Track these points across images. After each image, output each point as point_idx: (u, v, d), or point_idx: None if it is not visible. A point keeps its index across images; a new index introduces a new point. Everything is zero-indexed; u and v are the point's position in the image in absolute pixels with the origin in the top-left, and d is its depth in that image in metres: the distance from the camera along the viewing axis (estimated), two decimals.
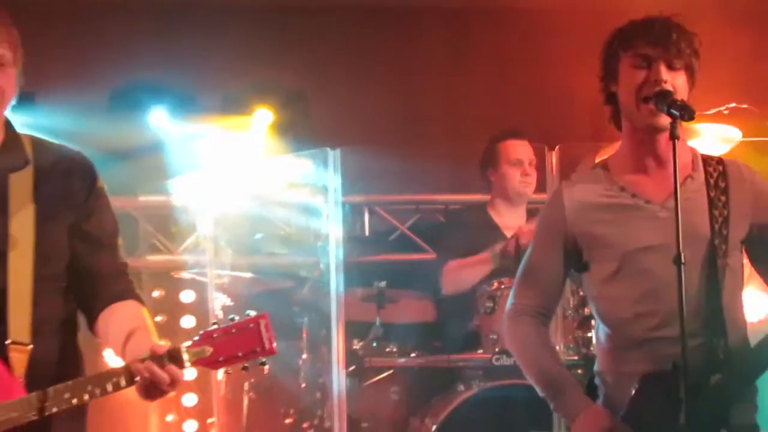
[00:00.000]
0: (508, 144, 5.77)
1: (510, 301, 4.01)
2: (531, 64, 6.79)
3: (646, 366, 3.56)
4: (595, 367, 3.85)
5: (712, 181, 3.59)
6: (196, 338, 3.25)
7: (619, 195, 3.61)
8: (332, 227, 5.23)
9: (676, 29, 3.48)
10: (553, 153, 5.48)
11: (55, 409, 3.20)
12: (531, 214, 5.80)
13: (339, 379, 5.26)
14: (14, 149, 3.42)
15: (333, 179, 5.29)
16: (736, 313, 3.60)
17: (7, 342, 3.30)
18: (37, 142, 3.50)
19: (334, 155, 5.44)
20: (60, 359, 3.53)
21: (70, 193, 3.44)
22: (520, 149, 5.77)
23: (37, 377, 3.26)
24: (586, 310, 4.81)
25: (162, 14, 6.82)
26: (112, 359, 3.77)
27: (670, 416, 3.61)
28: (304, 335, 5.97)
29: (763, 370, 3.55)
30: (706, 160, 3.64)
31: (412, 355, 5.74)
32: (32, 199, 3.42)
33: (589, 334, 5.01)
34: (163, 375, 3.05)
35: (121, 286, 3.51)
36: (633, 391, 3.54)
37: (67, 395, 3.25)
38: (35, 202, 3.43)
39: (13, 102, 3.31)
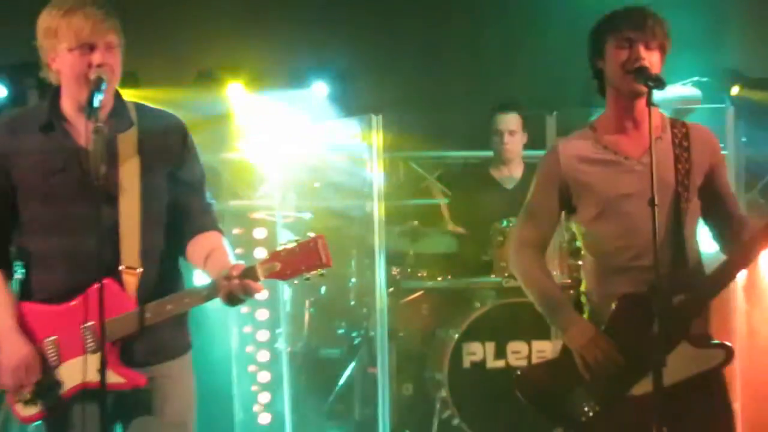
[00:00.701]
0: (496, 117, 5.97)
1: (515, 235, 4.22)
2: (534, 44, 6.75)
3: (624, 288, 3.81)
4: (582, 288, 4.10)
5: (677, 141, 3.90)
6: (267, 257, 3.60)
7: (603, 152, 3.93)
8: (375, 177, 5.34)
9: (652, 17, 3.64)
10: (551, 117, 5.70)
11: (159, 319, 3.52)
12: (532, 168, 6.01)
13: (381, 298, 5.35)
14: (121, 114, 3.56)
15: (375, 138, 5.38)
16: (693, 246, 3.88)
17: (120, 267, 3.64)
18: (139, 107, 3.68)
19: (376, 119, 5.53)
20: (163, 279, 3.78)
21: (167, 148, 3.74)
22: (501, 121, 5.96)
23: (146, 294, 3.53)
24: (577, 243, 4.70)
25: (238, 2, 6.91)
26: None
27: (643, 329, 3.94)
28: (353, 263, 6.23)
29: (715, 293, 3.86)
30: (673, 123, 3.96)
31: (439, 279, 6.05)
32: (137, 153, 3.71)
33: (579, 262, 5.07)
34: (241, 286, 3.45)
35: (207, 219, 3.75)
36: (613, 308, 3.83)
37: (169, 307, 3.61)
38: (139, 156, 3.70)
39: (120, 77, 3.54)
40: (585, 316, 4.02)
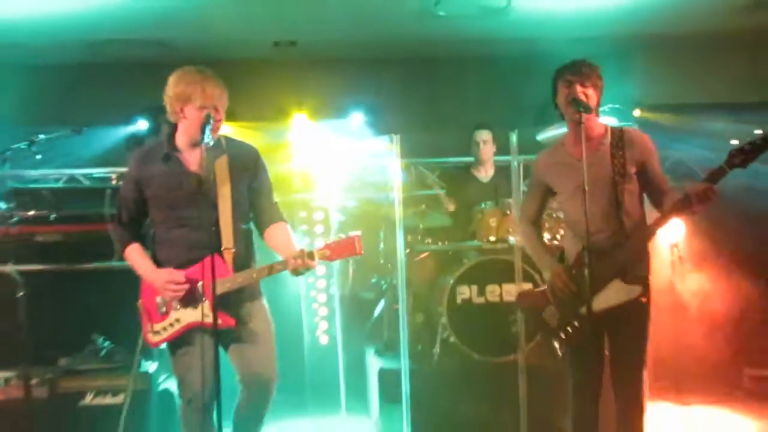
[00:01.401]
0: (475, 132, 5.97)
1: (520, 212, 4.59)
2: (501, 83, 6.85)
3: (580, 246, 3.88)
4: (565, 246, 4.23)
5: (614, 143, 4.00)
6: (322, 246, 3.74)
7: (566, 157, 4.04)
8: (396, 176, 5.25)
9: (586, 65, 3.84)
10: (513, 133, 5.67)
11: (246, 284, 3.72)
12: (500, 169, 6.06)
13: (401, 258, 5.27)
14: (216, 146, 3.72)
15: (396, 150, 5.26)
16: (633, 214, 3.90)
17: (222, 248, 3.73)
18: (227, 140, 3.84)
19: (396, 138, 5.42)
20: (246, 255, 3.87)
21: (246, 167, 3.94)
22: (478, 135, 5.96)
23: (237, 265, 3.71)
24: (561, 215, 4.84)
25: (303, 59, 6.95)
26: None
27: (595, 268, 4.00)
28: (382, 234, 6.20)
29: (640, 245, 3.88)
30: (613, 130, 4.09)
31: (439, 243, 6.06)
32: (228, 172, 3.79)
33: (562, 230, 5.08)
34: (303, 264, 3.53)
35: (275, 213, 3.94)
36: (575, 258, 3.90)
37: (254, 275, 3.80)
38: (229, 174, 3.79)
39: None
40: (565, 263, 4.10)
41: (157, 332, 3.76)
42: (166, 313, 3.71)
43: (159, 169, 3.69)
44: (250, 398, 3.77)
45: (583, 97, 3.75)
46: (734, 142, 5.75)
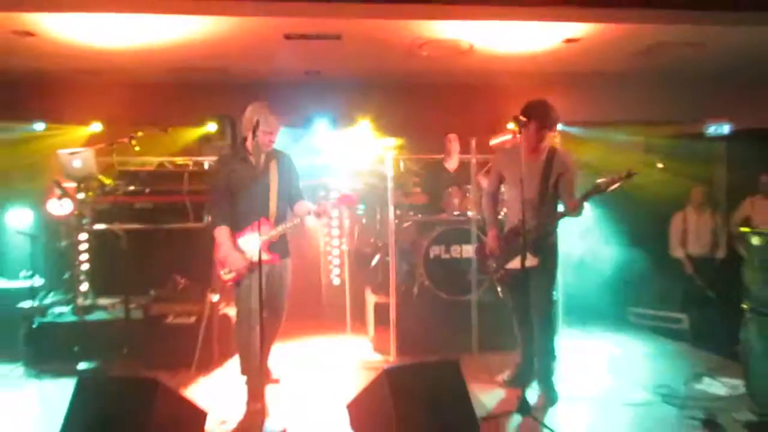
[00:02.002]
0: (446, 137, 5.96)
1: (483, 190, 4.60)
2: (471, 103, 6.88)
3: (516, 222, 4.04)
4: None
5: (547, 159, 4.10)
6: (333, 200, 4.01)
7: (513, 161, 4.11)
8: (388, 168, 5.25)
9: (536, 103, 4.00)
10: (473, 139, 5.69)
11: (283, 233, 4.03)
12: (463, 163, 5.99)
13: (390, 225, 5.33)
14: (269, 153, 4.03)
15: (389, 154, 5.39)
16: (551, 205, 4.08)
17: (269, 213, 3.94)
18: (276, 150, 4.10)
19: (391, 141, 5.69)
20: (284, 218, 4.09)
21: (286, 168, 4.10)
22: (448, 139, 5.95)
23: (277, 223, 4.00)
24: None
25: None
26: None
27: (515, 239, 4.10)
28: (378, 209, 6.25)
29: (550, 228, 4.00)
30: (550, 149, 4.12)
31: (419, 215, 6.04)
32: (277, 169, 4.09)
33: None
34: (318, 211, 3.86)
35: (300, 194, 4.21)
36: (507, 230, 4.03)
37: (289, 224, 4.03)
38: (278, 171, 4.10)
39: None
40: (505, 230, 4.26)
41: (227, 273, 3.99)
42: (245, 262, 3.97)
43: (237, 166, 3.96)
44: (270, 316, 4.08)
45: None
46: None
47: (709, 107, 7.06)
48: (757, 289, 3.93)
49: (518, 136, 4.01)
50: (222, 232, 3.97)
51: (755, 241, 3.91)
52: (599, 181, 3.72)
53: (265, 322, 3.98)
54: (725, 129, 7.01)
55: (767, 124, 6.81)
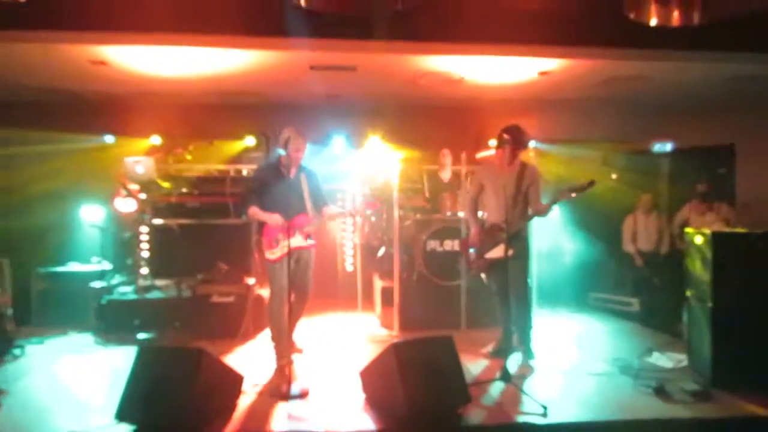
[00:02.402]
0: (442, 151, 5.78)
1: (467, 195, 4.48)
2: (461, 123, 6.68)
3: (492, 220, 4.00)
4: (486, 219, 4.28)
5: (519, 171, 4.03)
6: (352, 209, 3.88)
7: (495, 172, 4.05)
8: (394, 177, 5.19)
9: (511, 128, 3.99)
10: (463, 154, 5.64)
11: (319, 226, 4.13)
12: (455, 174, 5.84)
13: (395, 223, 5.24)
14: (300, 168, 4.13)
15: (395, 164, 5.34)
16: (524, 209, 3.99)
17: (304, 212, 3.87)
18: (303, 166, 4.15)
19: (396, 153, 5.62)
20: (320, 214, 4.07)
21: (314, 178, 4.05)
22: (443, 154, 5.76)
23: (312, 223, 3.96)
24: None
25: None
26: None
27: (493, 234, 4.03)
28: (386, 210, 5.97)
29: (523, 226, 3.94)
30: (522, 163, 4.09)
31: (418, 216, 5.85)
32: (307, 182, 4.14)
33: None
34: (354, 214, 3.80)
35: (325, 199, 4.19)
36: (487, 226, 3.94)
37: (325, 219, 4.06)
38: (307, 183, 4.14)
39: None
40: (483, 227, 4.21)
41: (273, 253, 3.94)
42: (278, 243, 3.88)
43: (273, 177, 3.90)
44: (297, 298, 4.04)
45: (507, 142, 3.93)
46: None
47: (655, 128, 7.00)
48: (698, 280, 3.83)
49: (496, 152, 4.15)
50: (254, 210, 4.02)
51: (698, 240, 3.80)
52: (564, 188, 3.74)
53: (294, 301, 4.00)
54: (668, 147, 7.00)
55: (703, 142, 6.78)
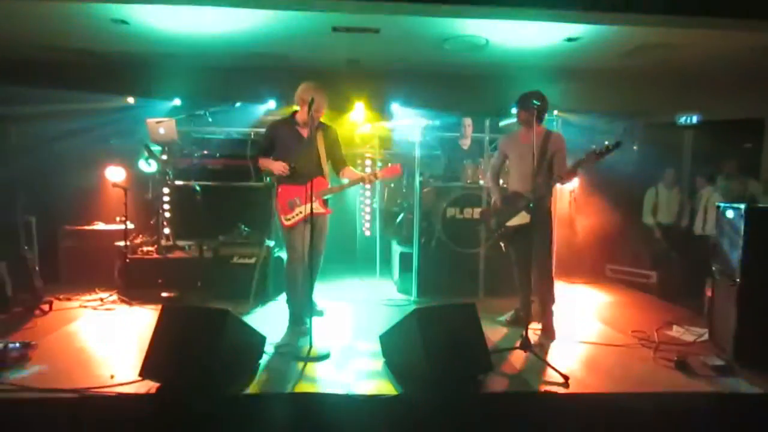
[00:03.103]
0: (461, 119, 5.53)
1: (489, 166, 4.36)
2: (485, 90, 6.48)
3: (515, 189, 3.87)
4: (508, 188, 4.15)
5: (544, 138, 3.86)
6: (379, 169, 3.71)
7: (516, 141, 3.90)
8: (417, 142, 5.12)
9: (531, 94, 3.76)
10: (487, 120, 5.47)
11: (334, 193, 3.92)
12: (475, 140, 5.66)
13: (417, 189, 5.16)
14: (318, 126, 3.86)
15: (417, 132, 5.20)
16: (547, 176, 3.85)
17: (321, 174, 3.73)
18: (322, 123, 3.95)
19: (418, 118, 5.43)
20: (329, 181, 3.93)
21: (331, 137, 3.90)
22: (463, 121, 5.49)
23: (324, 184, 3.77)
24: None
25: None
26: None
27: (513, 202, 3.92)
28: (405, 175, 6.02)
29: (547, 194, 3.79)
30: (546, 131, 3.96)
31: (438, 182, 5.80)
32: (322, 137, 3.92)
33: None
34: (371, 179, 3.54)
35: (343, 160, 3.99)
36: (509, 193, 3.83)
37: (339, 186, 3.72)
38: (324, 138, 3.91)
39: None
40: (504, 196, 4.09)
41: (288, 219, 3.89)
42: (293, 209, 3.77)
43: (285, 131, 3.74)
44: (312, 260, 3.87)
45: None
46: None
47: (680, 101, 6.68)
48: (726, 254, 3.68)
49: (519, 118, 3.97)
50: (263, 159, 3.94)
51: (729, 214, 3.64)
52: (590, 150, 3.52)
53: (312, 262, 3.93)
54: (694, 119, 6.66)
55: (730, 116, 6.46)
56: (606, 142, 3.43)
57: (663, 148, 6.75)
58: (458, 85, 6.50)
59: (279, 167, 3.82)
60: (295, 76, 3.77)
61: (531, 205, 3.75)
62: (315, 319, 4.04)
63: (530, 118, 3.81)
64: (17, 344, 3.28)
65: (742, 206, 3.48)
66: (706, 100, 6.57)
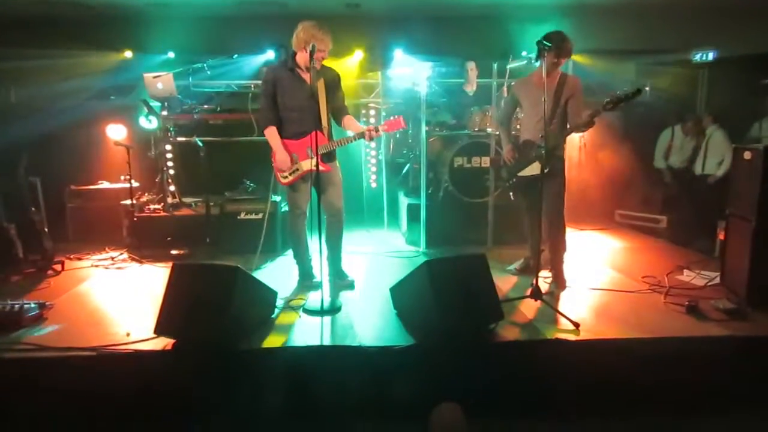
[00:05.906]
0: (465, 63, 5.41)
1: (499, 112, 4.27)
2: (492, 33, 6.20)
3: (526, 136, 3.79)
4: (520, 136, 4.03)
5: (560, 82, 3.70)
6: (383, 123, 3.55)
7: (532, 86, 3.75)
8: (423, 91, 4.92)
9: (554, 35, 3.50)
10: (494, 64, 5.27)
11: (336, 147, 3.67)
12: (481, 86, 5.49)
13: (423, 138, 5.03)
14: (319, 70, 3.56)
15: (422, 78, 5.00)
16: (563, 122, 3.73)
17: (322, 126, 3.59)
18: (324, 66, 3.65)
19: (422, 64, 5.27)
20: (333, 133, 3.79)
21: (333, 81, 3.69)
22: (467, 65, 5.38)
23: (328, 138, 3.67)
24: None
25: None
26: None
27: (526, 150, 3.82)
28: (411, 125, 5.77)
29: (560, 141, 3.70)
30: (562, 74, 3.76)
31: (444, 131, 5.71)
32: (324, 84, 3.63)
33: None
34: (373, 134, 3.35)
35: (345, 109, 3.80)
36: (521, 142, 3.72)
37: (342, 141, 3.61)
38: (325, 85, 3.63)
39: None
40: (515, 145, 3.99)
41: (285, 177, 3.75)
42: (291, 165, 3.67)
43: (286, 77, 3.60)
44: (331, 221, 3.79)
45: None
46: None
47: (695, 36, 6.41)
48: (742, 196, 3.61)
49: (535, 62, 3.75)
50: (271, 132, 3.65)
51: (747, 155, 3.55)
52: (608, 98, 3.34)
53: (329, 226, 3.85)
54: (710, 56, 6.40)
55: (748, 51, 6.12)
56: (625, 89, 3.29)
57: (676, 87, 6.54)
58: (463, 29, 6.23)
59: (280, 158, 3.62)
60: (294, 23, 3.54)
61: (544, 153, 3.64)
62: (344, 287, 3.94)
63: (547, 61, 3.62)
64: (33, 304, 3.31)
65: (761, 146, 3.38)
66: (723, 34, 6.26)
